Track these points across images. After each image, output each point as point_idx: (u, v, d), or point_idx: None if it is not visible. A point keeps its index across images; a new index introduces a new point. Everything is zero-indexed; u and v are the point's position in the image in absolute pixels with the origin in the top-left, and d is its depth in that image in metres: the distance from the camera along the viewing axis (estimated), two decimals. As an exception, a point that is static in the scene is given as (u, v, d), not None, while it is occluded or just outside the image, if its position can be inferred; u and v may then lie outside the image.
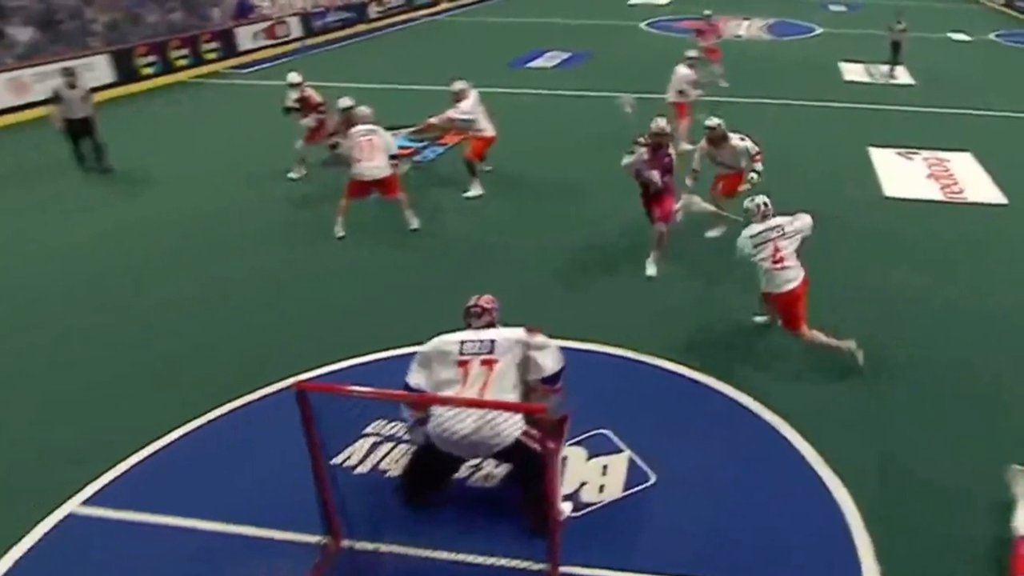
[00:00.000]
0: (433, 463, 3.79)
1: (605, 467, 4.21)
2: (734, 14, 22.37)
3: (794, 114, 12.23)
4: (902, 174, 9.30)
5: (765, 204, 5.22)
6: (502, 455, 3.73)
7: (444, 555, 3.63)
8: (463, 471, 4.05)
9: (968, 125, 11.65)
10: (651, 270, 6.55)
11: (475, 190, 8.45)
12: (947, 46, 19.08)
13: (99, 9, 15.15)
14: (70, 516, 3.96)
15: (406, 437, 4.24)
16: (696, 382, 5.03)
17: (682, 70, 9.92)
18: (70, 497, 4.06)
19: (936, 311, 5.99)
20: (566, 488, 4.03)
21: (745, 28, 21.47)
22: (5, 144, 10.89)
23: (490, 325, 3.83)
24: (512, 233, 7.52)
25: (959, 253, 7.13)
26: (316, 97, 9.11)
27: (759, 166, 6.71)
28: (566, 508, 3.86)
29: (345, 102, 8.40)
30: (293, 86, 9.17)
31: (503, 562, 3.55)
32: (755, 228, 5.17)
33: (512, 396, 3.67)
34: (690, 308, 6.03)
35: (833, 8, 26.05)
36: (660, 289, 6.34)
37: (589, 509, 3.93)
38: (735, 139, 6.86)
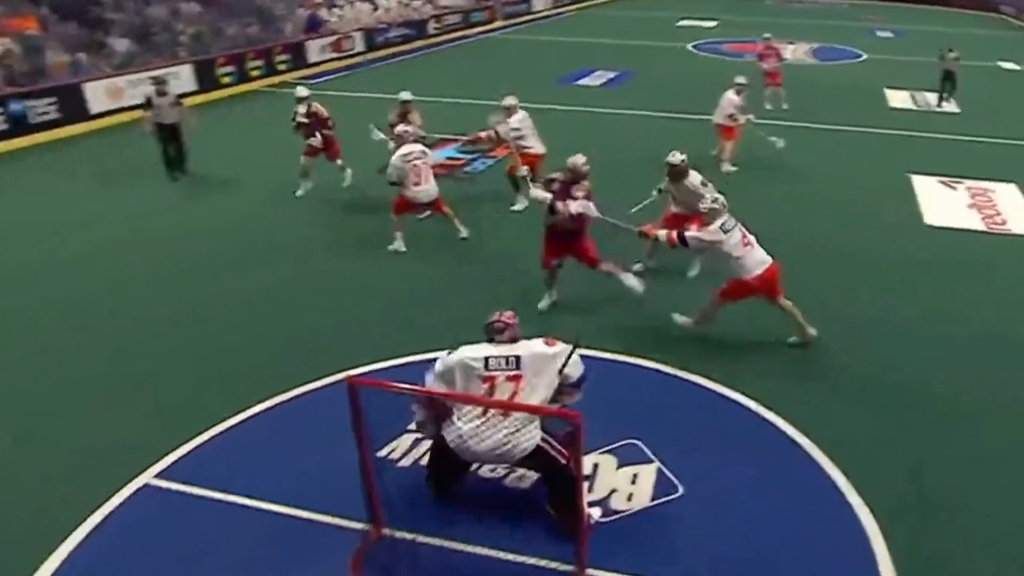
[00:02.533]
0: (452, 458, 3.79)
1: (635, 476, 4.19)
2: (780, 39, 21.92)
3: (836, 139, 11.94)
4: (944, 203, 8.99)
5: (723, 201, 5.42)
6: (524, 462, 3.74)
7: (477, 549, 3.68)
8: (500, 471, 4.09)
9: (1015, 156, 11.18)
10: (631, 281, 6.03)
11: (521, 203, 8.35)
12: (996, 75, 18.37)
13: (186, 22, 15.76)
14: (146, 486, 4.16)
15: (418, 432, 4.18)
16: (727, 398, 4.96)
17: (730, 95, 9.82)
18: (146, 469, 4.25)
19: (977, 339, 5.79)
20: (596, 494, 4.04)
21: (790, 52, 20.96)
22: (101, 144, 11.41)
23: (512, 340, 3.75)
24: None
25: (1000, 282, 6.87)
26: (324, 112, 8.77)
27: (693, 235, 5.57)
28: (595, 513, 3.86)
29: (405, 95, 8.49)
30: (301, 100, 8.73)
31: (531, 561, 3.58)
32: (720, 222, 5.33)
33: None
34: (723, 324, 5.94)
35: (880, 34, 25.34)
36: (694, 304, 6.27)
37: (617, 516, 3.92)
38: (695, 178, 6.36)
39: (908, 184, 9.55)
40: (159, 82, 9.50)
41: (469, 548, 3.69)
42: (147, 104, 9.30)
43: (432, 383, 3.76)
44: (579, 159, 5.92)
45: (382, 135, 8.09)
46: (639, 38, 23.15)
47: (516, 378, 3.62)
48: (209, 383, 5.16)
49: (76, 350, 5.62)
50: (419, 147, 7.29)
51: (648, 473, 4.20)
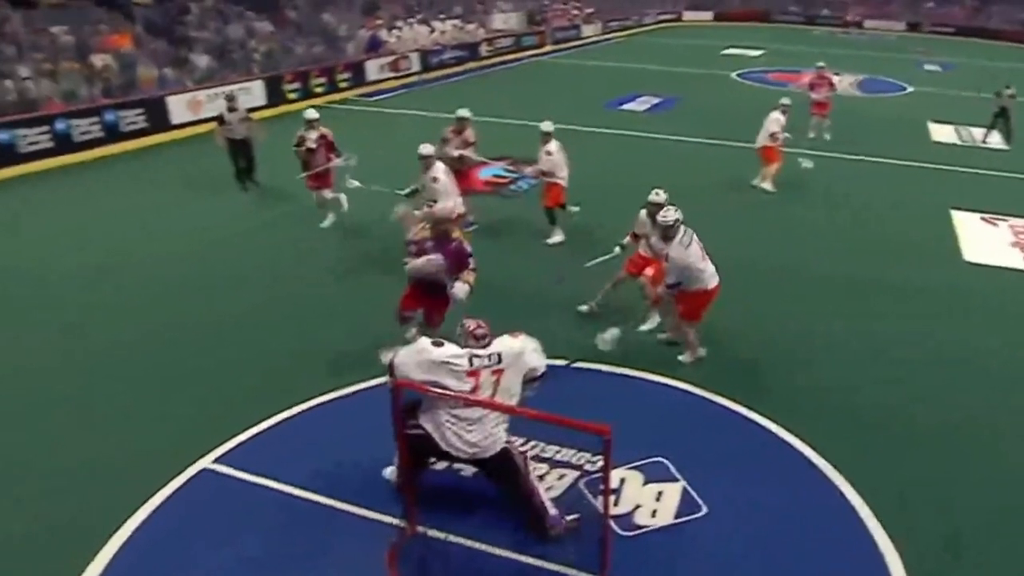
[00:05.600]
0: (424, 451, 3.84)
1: (660, 493, 4.18)
2: (827, 69, 21.46)
3: (877, 171, 11.64)
4: (985, 239, 8.67)
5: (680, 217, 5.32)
6: (490, 462, 3.81)
7: (503, 552, 3.74)
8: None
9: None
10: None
11: (557, 237, 7.97)
12: (1044, 111, 17.63)
13: (260, 41, 16.40)
14: (204, 470, 4.35)
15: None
16: (748, 420, 4.91)
17: (775, 115, 9.85)
18: (205, 454, 4.45)
19: (1018, 380, 5.59)
20: (621, 508, 4.04)
21: (837, 83, 20.54)
22: (181, 152, 11.90)
23: (488, 345, 3.87)
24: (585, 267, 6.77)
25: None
26: (331, 136, 8.29)
27: (671, 267, 5.24)
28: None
29: (463, 112, 8.33)
30: (311, 123, 8.14)
31: (556, 568, 3.62)
32: (680, 236, 5.26)
33: (514, 401, 3.80)
34: (745, 345, 5.91)
35: (927, 67, 24.60)
36: (724, 330, 6.21)
37: (641, 531, 3.92)
38: (678, 245, 5.46)
39: (948, 219, 9.25)
40: (230, 99, 9.75)
41: (498, 551, 3.74)
42: (219, 120, 9.56)
43: (407, 365, 3.69)
44: (448, 206, 5.22)
45: (357, 183, 7.84)
46: (685, 65, 23.01)
47: (499, 371, 3.76)
48: (275, 377, 5.35)
49: (150, 343, 5.89)
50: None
51: (673, 491, 4.19)
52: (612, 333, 5.47)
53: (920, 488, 4.34)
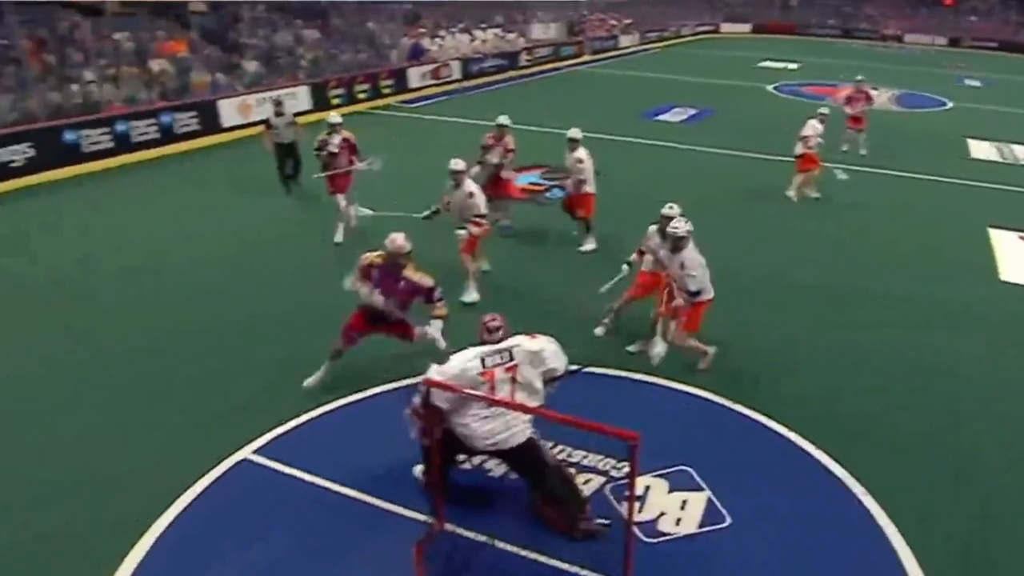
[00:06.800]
0: (454, 446, 3.87)
1: (684, 502, 4.15)
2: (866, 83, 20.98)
3: (914, 187, 11.33)
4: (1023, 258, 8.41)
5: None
6: (515, 454, 3.82)
7: (528, 553, 3.75)
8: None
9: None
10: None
11: (589, 244, 7.88)
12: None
13: (307, 48, 16.75)
14: (244, 460, 4.46)
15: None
16: (771, 430, 4.85)
17: (813, 123, 9.82)
18: (245, 445, 4.56)
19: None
20: (645, 515, 4.02)
21: (875, 97, 20.07)
22: (230, 154, 12.20)
23: (502, 338, 3.86)
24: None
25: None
26: (354, 140, 8.08)
27: (693, 278, 5.12)
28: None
29: (503, 120, 8.17)
30: (333, 127, 7.98)
31: (579, 571, 3.63)
32: (691, 245, 5.25)
33: (536, 400, 3.81)
34: (768, 355, 5.83)
35: (967, 82, 23.86)
36: (754, 342, 6.14)
37: (664, 538, 3.90)
38: (692, 250, 5.26)
39: (986, 237, 8.97)
40: (277, 103, 9.86)
41: (523, 552, 3.76)
42: (267, 124, 9.66)
43: (434, 394, 3.71)
44: (398, 238, 4.75)
45: (369, 211, 7.62)
46: (720, 77, 22.74)
47: (512, 368, 3.76)
48: (295, 382, 5.30)
49: (187, 336, 6.04)
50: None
51: (698, 501, 4.15)
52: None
53: (942, 505, 4.22)
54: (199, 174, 11.11)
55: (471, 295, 6.52)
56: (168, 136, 12.17)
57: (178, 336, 6.00)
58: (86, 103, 11.56)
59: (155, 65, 13.21)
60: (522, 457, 3.84)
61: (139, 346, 5.84)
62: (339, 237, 7.92)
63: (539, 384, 3.85)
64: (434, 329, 4.86)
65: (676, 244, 5.24)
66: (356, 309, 5.02)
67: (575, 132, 7.75)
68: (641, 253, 5.91)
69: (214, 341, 5.94)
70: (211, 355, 5.73)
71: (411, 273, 4.79)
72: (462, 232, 6.52)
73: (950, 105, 19.38)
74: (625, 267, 5.99)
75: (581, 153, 7.68)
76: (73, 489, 4.23)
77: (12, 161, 10.09)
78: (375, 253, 4.85)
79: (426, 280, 4.81)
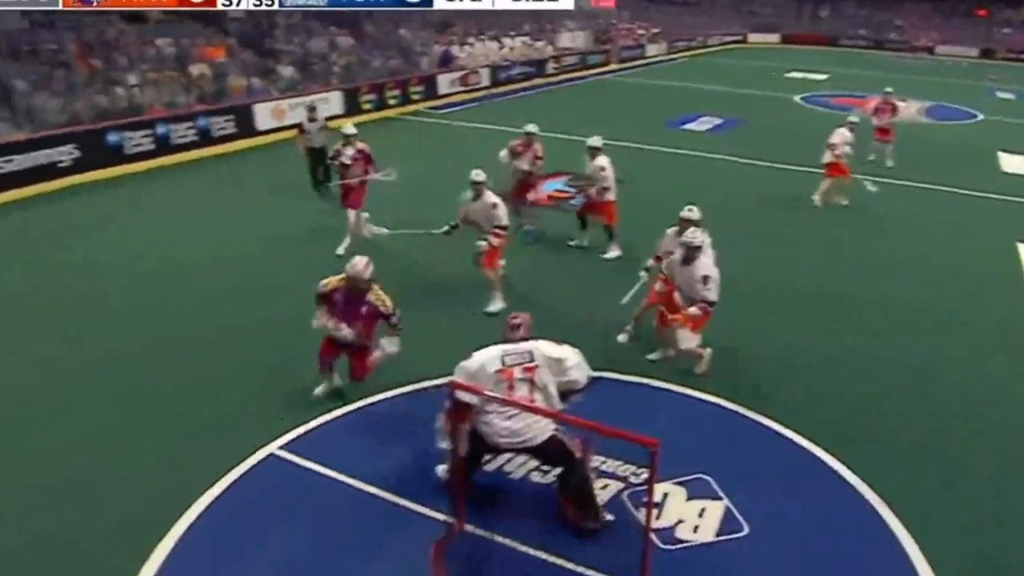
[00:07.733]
0: (478, 445, 3.90)
1: (703, 510, 4.13)
2: (894, 95, 20.60)
3: (942, 200, 11.08)
4: (1054, 274, 8.18)
5: None
6: (539, 450, 3.86)
7: (545, 556, 3.76)
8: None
9: None
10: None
11: (614, 251, 7.82)
12: None
13: (340, 54, 17.00)
14: (271, 455, 4.54)
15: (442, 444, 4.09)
16: (788, 439, 4.81)
17: (842, 131, 9.78)
18: (272, 440, 4.63)
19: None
20: (663, 522, 4.02)
21: (902, 109, 19.70)
22: (265, 157, 12.37)
23: (525, 338, 3.92)
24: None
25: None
26: (369, 150, 7.88)
27: (712, 282, 5.14)
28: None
29: (531, 127, 8.15)
30: (348, 138, 7.79)
31: (592, 573, 3.64)
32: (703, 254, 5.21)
33: (553, 401, 3.83)
34: (786, 365, 5.77)
35: (999, 95, 23.26)
36: (778, 350, 6.07)
37: (681, 545, 3.89)
38: (707, 258, 5.23)
39: (1015, 252, 8.74)
40: (310, 109, 9.97)
41: (541, 555, 3.77)
42: (299, 129, 9.78)
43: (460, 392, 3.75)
44: (359, 263, 4.69)
45: (384, 230, 7.51)
46: (747, 87, 22.49)
47: (531, 369, 3.79)
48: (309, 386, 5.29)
49: (213, 338, 6.12)
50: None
51: (716, 509, 4.13)
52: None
53: (952, 515, 4.13)
54: (235, 176, 11.32)
55: (496, 304, 6.46)
56: (206, 138, 12.44)
57: (173, 343, 5.91)
58: (129, 106, 11.89)
59: (194, 70, 13.53)
60: (550, 451, 3.88)
61: (133, 352, 5.74)
62: (341, 250, 7.57)
63: (554, 390, 3.86)
64: (389, 344, 4.95)
65: (689, 253, 5.18)
66: (324, 339, 4.99)
67: (596, 140, 7.74)
68: (659, 259, 5.90)
69: (212, 345, 5.90)
70: (204, 361, 5.64)
71: (373, 297, 4.78)
72: (482, 243, 6.47)
73: (981, 117, 18.92)
74: (643, 274, 5.97)
75: (603, 160, 7.67)
76: (67, 494, 4.18)
77: (60, 161, 10.42)
78: (336, 277, 4.83)
79: (387, 304, 4.82)
